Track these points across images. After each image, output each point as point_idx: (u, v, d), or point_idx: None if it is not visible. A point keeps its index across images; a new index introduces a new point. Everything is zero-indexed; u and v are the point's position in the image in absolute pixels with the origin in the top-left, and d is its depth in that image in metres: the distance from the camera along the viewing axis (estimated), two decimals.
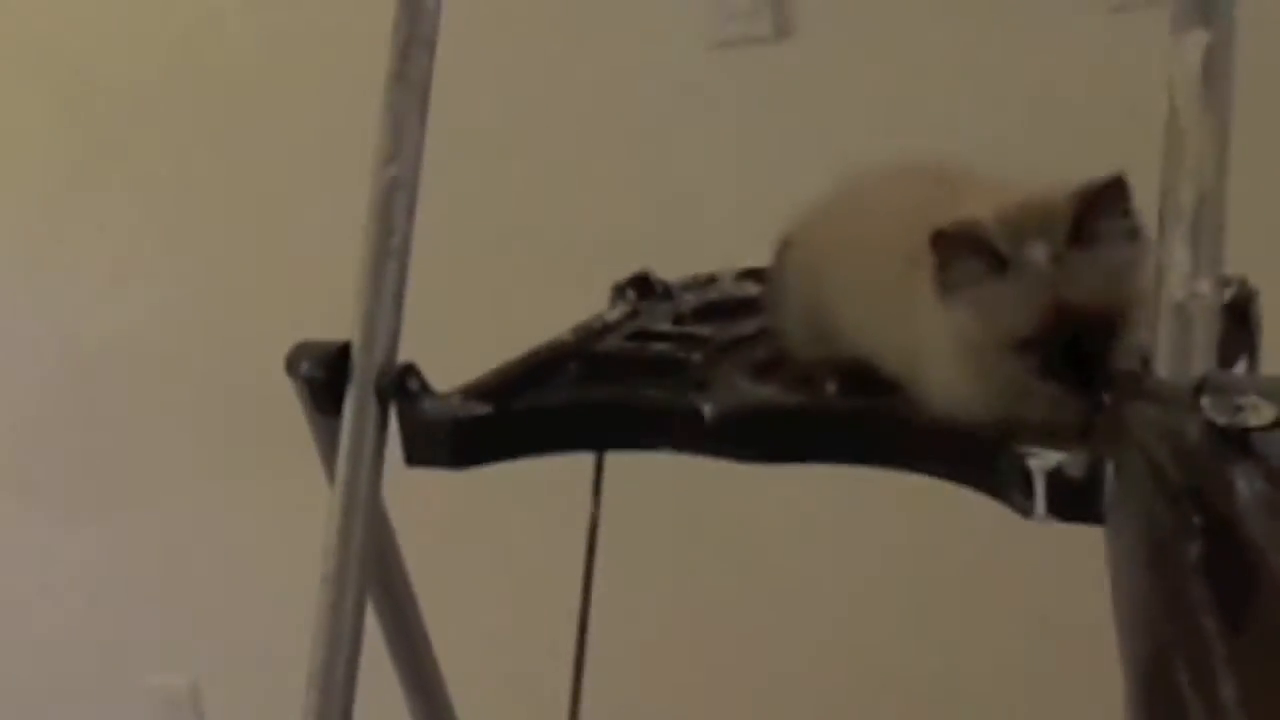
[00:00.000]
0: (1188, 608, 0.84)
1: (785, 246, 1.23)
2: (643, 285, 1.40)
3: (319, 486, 1.19)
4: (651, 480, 1.42)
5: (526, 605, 2.01)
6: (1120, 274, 0.97)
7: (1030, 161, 1.03)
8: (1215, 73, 0.89)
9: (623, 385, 1.18)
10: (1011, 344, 0.97)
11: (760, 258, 1.40)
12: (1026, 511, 0.94)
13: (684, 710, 2.06)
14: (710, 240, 1.73)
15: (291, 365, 1.17)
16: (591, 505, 1.42)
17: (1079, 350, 0.96)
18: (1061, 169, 1.00)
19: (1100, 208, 0.96)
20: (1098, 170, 0.98)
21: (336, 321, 1.18)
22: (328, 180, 1.89)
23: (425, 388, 1.16)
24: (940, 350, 1.02)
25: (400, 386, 1.15)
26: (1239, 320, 1.18)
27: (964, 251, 0.98)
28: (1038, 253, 0.97)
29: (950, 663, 2.02)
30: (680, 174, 2.01)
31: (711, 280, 1.46)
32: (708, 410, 1.10)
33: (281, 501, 2.06)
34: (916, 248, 1.00)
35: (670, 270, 1.44)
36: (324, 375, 1.16)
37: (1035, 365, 0.97)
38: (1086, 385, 0.96)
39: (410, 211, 1.17)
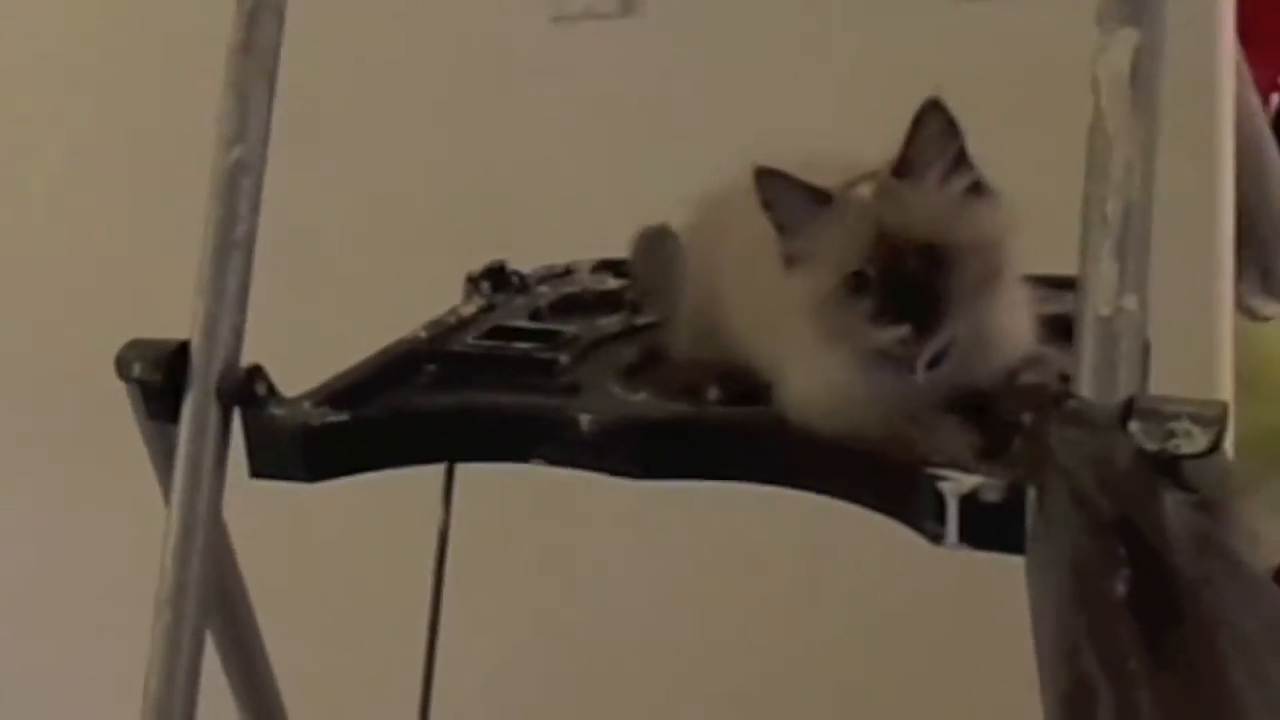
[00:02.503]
0: (1113, 644, 0.80)
1: (686, 232, 1.18)
2: (498, 277, 1.34)
3: (154, 499, 1.09)
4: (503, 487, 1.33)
5: (373, 625, 1.90)
6: (942, 202, 0.94)
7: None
8: (1144, 75, 0.84)
9: (487, 390, 1.10)
10: (843, 283, 0.94)
11: (607, 243, 1.34)
12: (937, 538, 0.88)
13: None
14: (560, 225, 1.64)
15: (122, 366, 1.07)
16: (442, 514, 1.34)
17: (910, 285, 0.92)
18: None
19: (920, 134, 0.94)
20: None
21: (175, 320, 1.08)
22: (167, 165, 1.74)
23: (273, 392, 1.07)
24: (794, 343, 0.98)
25: (245, 391, 1.06)
26: None
27: (785, 187, 0.96)
28: (862, 187, 0.96)
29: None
30: (525, 155, 1.91)
31: (568, 272, 1.41)
32: (584, 421, 1.02)
33: (113, 514, 1.91)
34: None
35: (518, 256, 1.37)
36: (159, 378, 1.06)
37: (869, 309, 0.93)
38: (921, 324, 0.92)
39: (256, 198, 1.08)
